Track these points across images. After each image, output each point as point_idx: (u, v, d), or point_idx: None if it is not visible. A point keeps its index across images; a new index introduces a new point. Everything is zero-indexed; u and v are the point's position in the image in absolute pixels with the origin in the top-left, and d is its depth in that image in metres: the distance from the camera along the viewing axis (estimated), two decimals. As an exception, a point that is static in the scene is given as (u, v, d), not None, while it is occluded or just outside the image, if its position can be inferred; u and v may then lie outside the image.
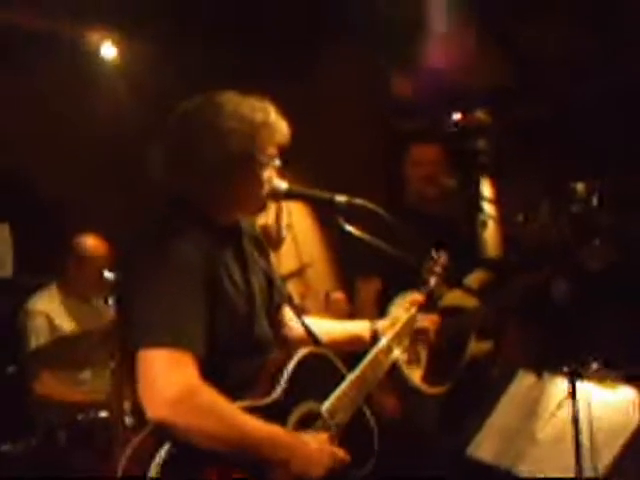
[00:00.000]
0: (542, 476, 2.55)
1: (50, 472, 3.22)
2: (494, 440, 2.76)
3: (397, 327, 2.23)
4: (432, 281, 2.32)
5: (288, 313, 2.23)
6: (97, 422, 3.23)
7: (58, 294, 3.84)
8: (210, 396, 1.79)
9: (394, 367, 2.98)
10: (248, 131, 1.97)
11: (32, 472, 3.25)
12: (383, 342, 2.17)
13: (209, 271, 1.88)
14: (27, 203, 4.74)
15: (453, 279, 2.71)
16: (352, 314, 3.55)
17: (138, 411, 1.84)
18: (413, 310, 2.28)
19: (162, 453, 1.73)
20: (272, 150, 2.03)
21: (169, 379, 1.76)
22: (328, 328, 2.29)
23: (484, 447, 2.77)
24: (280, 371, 1.94)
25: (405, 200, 3.43)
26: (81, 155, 4.70)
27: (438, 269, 2.35)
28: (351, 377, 2.05)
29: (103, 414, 3.22)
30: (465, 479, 2.98)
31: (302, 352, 2.00)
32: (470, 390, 3.23)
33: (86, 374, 3.67)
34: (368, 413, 2.09)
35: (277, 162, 2.06)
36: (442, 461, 3.06)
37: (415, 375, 3.11)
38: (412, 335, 2.26)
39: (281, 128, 2.04)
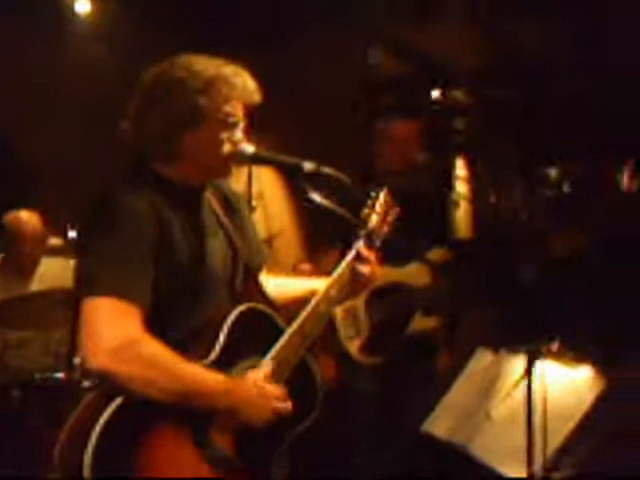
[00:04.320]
0: (493, 455, 2.56)
1: (3, 431, 3.22)
2: (449, 417, 2.77)
3: (335, 274, 2.15)
4: (371, 221, 2.22)
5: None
6: (52, 382, 3.22)
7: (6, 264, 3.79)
8: (153, 346, 1.79)
9: (334, 335, 3.08)
10: (197, 84, 1.92)
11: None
12: (321, 291, 2.10)
13: (158, 227, 1.87)
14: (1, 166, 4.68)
15: (412, 253, 2.70)
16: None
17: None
18: (350, 254, 2.18)
19: (109, 410, 1.72)
20: (231, 108, 1.97)
21: (112, 329, 1.75)
22: (291, 287, 2.25)
23: (438, 423, 2.78)
24: (217, 331, 1.91)
25: (373, 172, 3.41)
26: (54, 112, 4.64)
27: (377, 208, 2.25)
28: (291, 330, 2.02)
29: (59, 375, 3.21)
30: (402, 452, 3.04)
31: (237, 310, 1.97)
32: (414, 366, 3.27)
33: (45, 334, 3.64)
34: (312, 365, 2.07)
35: (238, 122, 1.99)
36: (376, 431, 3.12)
37: (353, 345, 3.18)
38: (350, 278, 2.15)
39: (242, 85, 1.97)
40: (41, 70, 4.64)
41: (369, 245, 2.20)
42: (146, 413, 1.76)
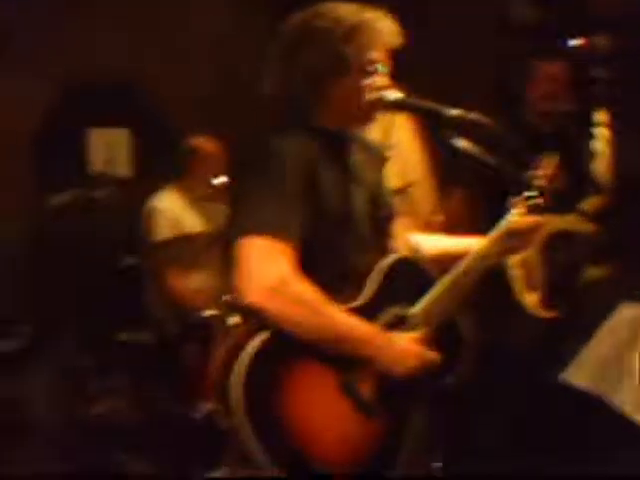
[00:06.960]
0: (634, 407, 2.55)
1: (161, 364, 3.44)
2: (590, 367, 2.77)
3: (494, 234, 2.14)
4: (536, 184, 2.18)
5: (397, 228, 2.24)
6: (206, 319, 3.41)
7: (178, 193, 4.02)
8: (304, 286, 1.86)
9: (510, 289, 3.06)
10: (342, 31, 1.95)
11: (144, 362, 3.49)
12: (477, 248, 2.11)
13: (310, 171, 1.94)
14: (147, 111, 4.90)
15: (567, 203, 2.65)
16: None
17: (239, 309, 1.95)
18: (513, 215, 2.16)
19: (254, 343, 1.81)
20: (375, 54, 1.99)
21: (267, 267, 1.82)
22: (440, 243, 2.28)
23: (579, 373, 2.79)
24: (368, 276, 1.97)
25: (523, 119, 3.34)
26: (197, 59, 4.79)
27: (543, 172, 2.21)
28: (442, 283, 2.03)
29: (212, 311, 3.40)
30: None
31: (391, 258, 2.01)
32: (576, 317, 3.24)
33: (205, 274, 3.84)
34: (461, 323, 2.09)
35: (383, 68, 2.01)
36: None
37: (532, 298, 3.14)
38: (513, 238, 2.14)
39: (385, 29, 1.98)
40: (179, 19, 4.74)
41: (532, 206, 2.17)
42: (293, 349, 1.84)
